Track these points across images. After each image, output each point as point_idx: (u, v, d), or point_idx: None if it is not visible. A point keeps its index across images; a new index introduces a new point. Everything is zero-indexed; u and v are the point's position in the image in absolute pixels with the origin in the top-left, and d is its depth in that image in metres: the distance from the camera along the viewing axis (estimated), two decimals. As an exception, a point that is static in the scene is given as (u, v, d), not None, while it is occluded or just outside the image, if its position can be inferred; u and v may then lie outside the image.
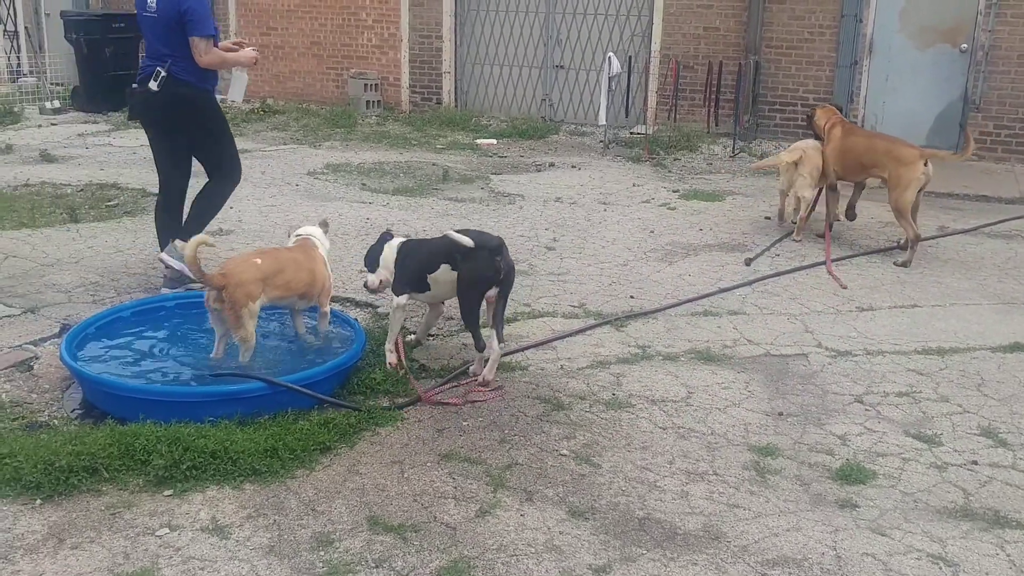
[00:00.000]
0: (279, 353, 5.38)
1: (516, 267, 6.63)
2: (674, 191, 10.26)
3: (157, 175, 6.82)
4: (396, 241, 5.64)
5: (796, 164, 8.25)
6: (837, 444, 4.61)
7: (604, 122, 12.47)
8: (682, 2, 13.20)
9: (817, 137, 8.47)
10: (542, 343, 5.80)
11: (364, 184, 10.15)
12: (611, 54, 12.39)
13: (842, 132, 8.21)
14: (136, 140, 12.65)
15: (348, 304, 6.35)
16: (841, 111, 8.71)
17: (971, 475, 4.34)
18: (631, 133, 13.35)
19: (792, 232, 8.45)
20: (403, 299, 5.47)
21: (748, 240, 8.32)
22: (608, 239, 8.25)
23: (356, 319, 5.77)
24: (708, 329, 6.15)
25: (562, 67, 14.45)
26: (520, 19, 14.61)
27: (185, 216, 6.78)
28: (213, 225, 8.27)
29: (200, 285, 5.16)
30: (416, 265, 5.46)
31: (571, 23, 14.27)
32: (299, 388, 4.68)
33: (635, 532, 3.83)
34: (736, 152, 12.34)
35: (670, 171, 11.43)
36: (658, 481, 4.24)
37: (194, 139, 6.63)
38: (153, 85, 6.36)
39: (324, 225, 5.71)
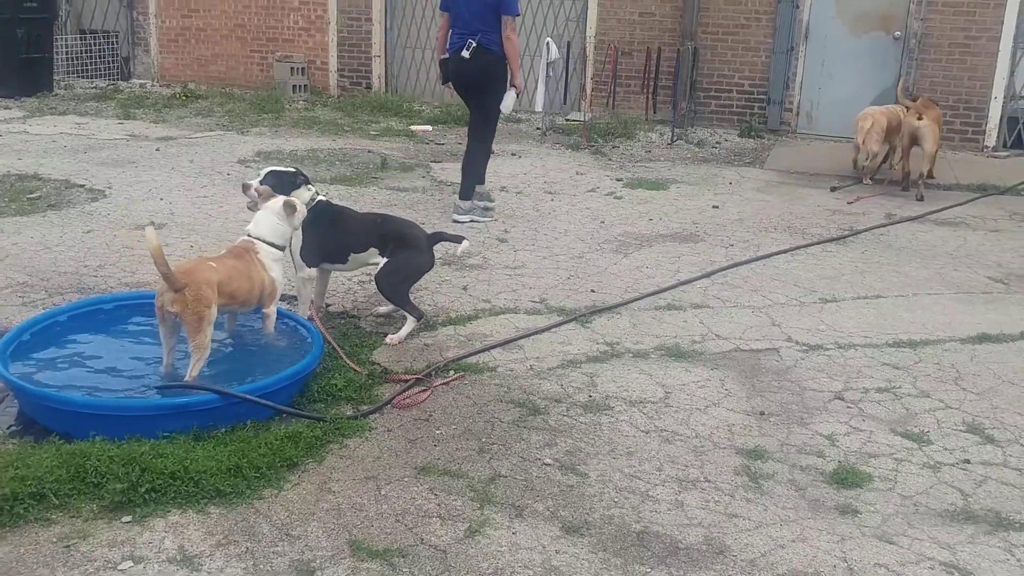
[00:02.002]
0: (232, 362, 5.03)
1: (469, 260, 6.88)
2: (618, 179, 10.09)
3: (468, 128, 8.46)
4: (306, 195, 5.42)
5: (871, 124, 9.81)
6: (826, 445, 4.46)
7: (541, 109, 12.24)
8: (617, -14, 13.05)
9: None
10: (508, 342, 5.55)
11: (299, 173, 9.76)
12: (549, 39, 12.16)
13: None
14: (54, 127, 12.03)
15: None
16: (936, 104, 10.08)
17: (965, 475, 4.23)
18: (567, 120, 13.13)
19: (863, 177, 10.21)
20: (313, 272, 5.56)
21: (700, 230, 8.19)
22: (560, 230, 8.03)
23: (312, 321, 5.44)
24: (674, 324, 5.97)
25: (495, 52, 14.16)
26: (451, 2, 14.26)
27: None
28: (144, 218, 7.87)
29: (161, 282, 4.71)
30: (339, 238, 5.51)
31: (504, 7, 13.96)
32: (259, 400, 4.36)
33: (635, 548, 3.61)
34: (674, 140, 12.22)
35: (610, 159, 11.27)
36: (649, 490, 4.04)
37: (480, 98, 8.07)
38: (465, 53, 7.78)
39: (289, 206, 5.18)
